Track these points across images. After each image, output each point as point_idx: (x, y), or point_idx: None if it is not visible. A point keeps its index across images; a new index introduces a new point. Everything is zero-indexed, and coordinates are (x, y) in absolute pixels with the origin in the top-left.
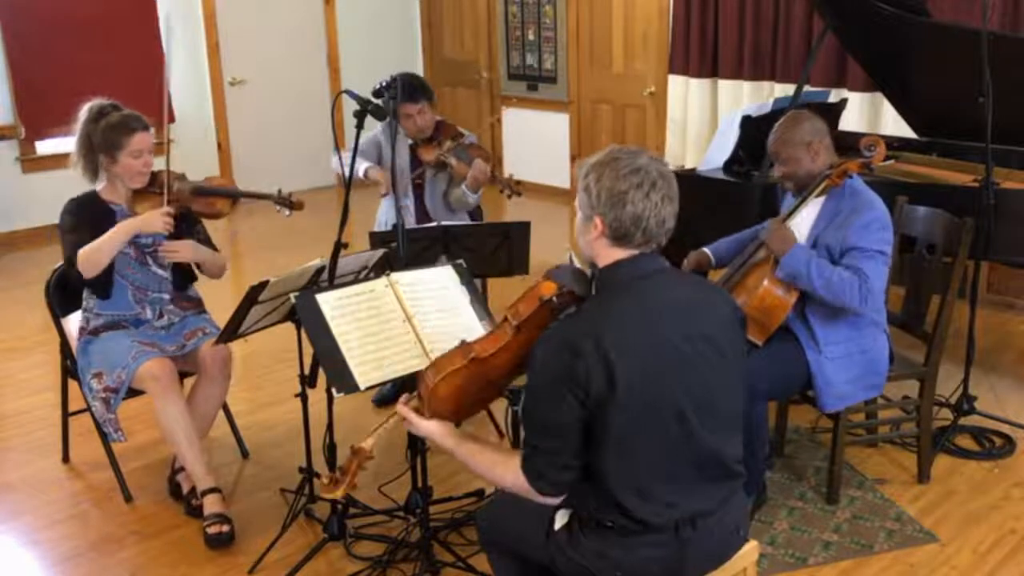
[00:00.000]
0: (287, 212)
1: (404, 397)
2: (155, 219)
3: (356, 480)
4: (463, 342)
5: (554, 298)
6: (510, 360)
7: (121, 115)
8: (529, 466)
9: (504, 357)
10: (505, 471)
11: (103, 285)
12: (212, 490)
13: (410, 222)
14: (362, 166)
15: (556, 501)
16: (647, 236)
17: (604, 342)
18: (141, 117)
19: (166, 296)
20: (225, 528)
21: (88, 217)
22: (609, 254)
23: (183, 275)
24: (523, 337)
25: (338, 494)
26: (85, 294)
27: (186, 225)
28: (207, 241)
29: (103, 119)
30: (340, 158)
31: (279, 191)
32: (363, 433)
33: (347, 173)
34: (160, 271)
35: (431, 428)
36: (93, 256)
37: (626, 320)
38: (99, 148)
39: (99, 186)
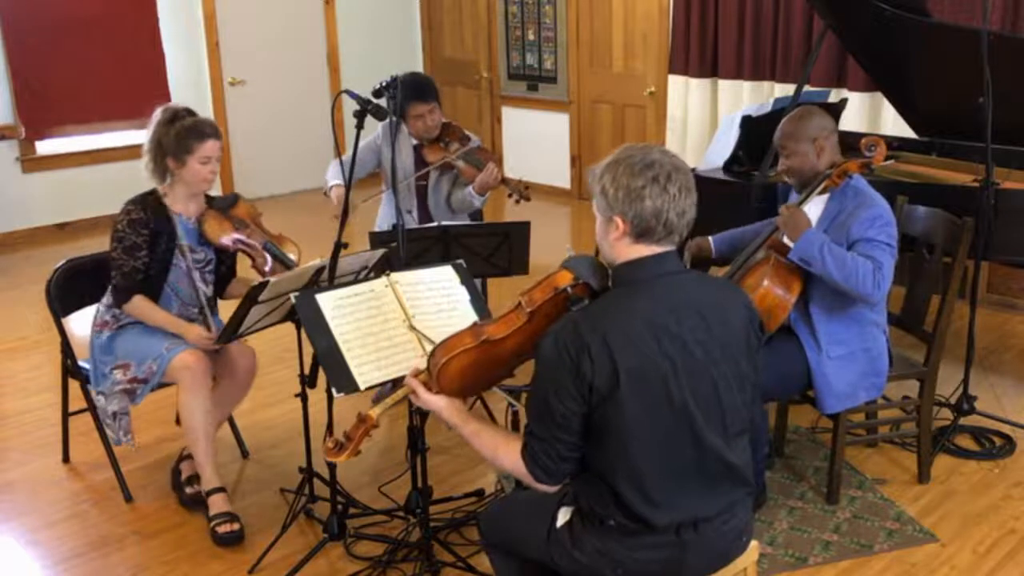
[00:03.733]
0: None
1: (413, 370)
2: (198, 339)
3: (360, 447)
4: (475, 323)
5: (569, 288)
6: (520, 344)
7: (194, 120)
8: (528, 453)
9: (514, 341)
10: (506, 454)
11: (154, 294)
12: (218, 490)
13: (411, 225)
14: (333, 181)
15: (552, 489)
16: (668, 229)
17: (611, 340)
18: (214, 124)
19: (195, 310)
20: (235, 526)
21: (149, 234)
22: (630, 251)
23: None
24: (535, 323)
25: (341, 459)
26: None
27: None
28: (231, 272)
29: (177, 122)
30: (341, 163)
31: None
32: None
33: (346, 178)
34: (204, 287)
35: (438, 403)
36: (141, 315)
37: (637, 319)
38: (168, 151)
39: (161, 186)
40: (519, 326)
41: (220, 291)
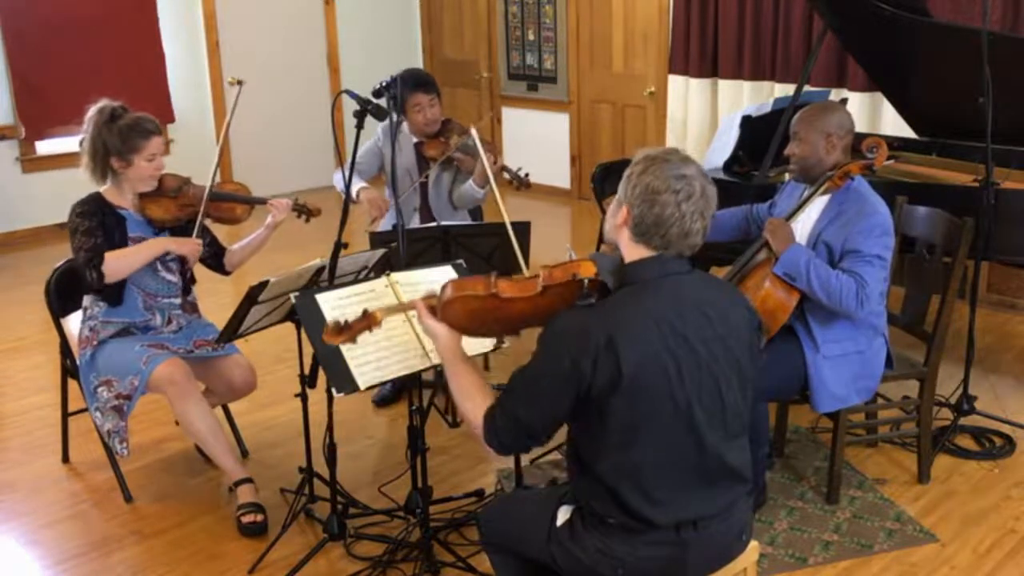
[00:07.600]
0: (305, 219)
1: (426, 293)
2: (189, 246)
3: (357, 339)
4: (494, 274)
5: (586, 281)
6: (524, 312)
7: (135, 118)
8: (493, 422)
9: (520, 307)
10: (473, 408)
11: (116, 292)
12: (245, 480)
13: (415, 222)
14: (356, 186)
15: (501, 456)
16: (666, 242)
17: (617, 338)
18: (154, 120)
19: (176, 301)
20: (259, 517)
21: (101, 220)
22: (632, 249)
23: (189, 279)
24: (544, 298)
25: (337, 341)
26: (88, 301)
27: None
28: (215, 243)
29: (116, 122)
30: (343, 173)
31: (296, 199)
32: (363, 432)
33: (347, 189)
34: (170, 276)
35: (439, 330)
36: (122, 264)
37: (643, 317)
38: (113, 151)
39: (103, 188)
40: (529, 295)
41: (219, 267)
